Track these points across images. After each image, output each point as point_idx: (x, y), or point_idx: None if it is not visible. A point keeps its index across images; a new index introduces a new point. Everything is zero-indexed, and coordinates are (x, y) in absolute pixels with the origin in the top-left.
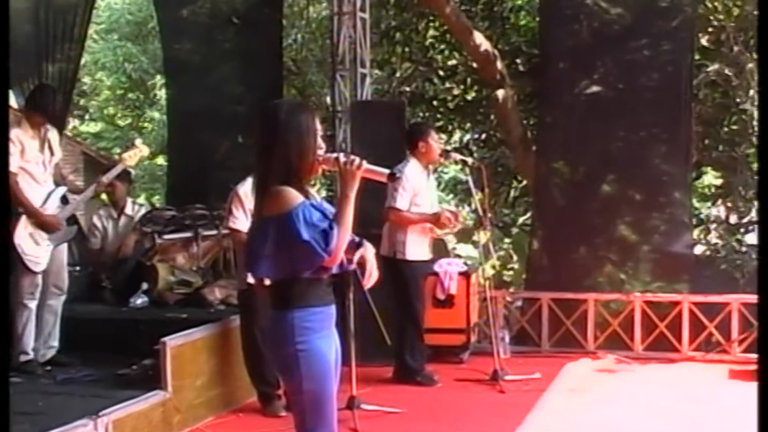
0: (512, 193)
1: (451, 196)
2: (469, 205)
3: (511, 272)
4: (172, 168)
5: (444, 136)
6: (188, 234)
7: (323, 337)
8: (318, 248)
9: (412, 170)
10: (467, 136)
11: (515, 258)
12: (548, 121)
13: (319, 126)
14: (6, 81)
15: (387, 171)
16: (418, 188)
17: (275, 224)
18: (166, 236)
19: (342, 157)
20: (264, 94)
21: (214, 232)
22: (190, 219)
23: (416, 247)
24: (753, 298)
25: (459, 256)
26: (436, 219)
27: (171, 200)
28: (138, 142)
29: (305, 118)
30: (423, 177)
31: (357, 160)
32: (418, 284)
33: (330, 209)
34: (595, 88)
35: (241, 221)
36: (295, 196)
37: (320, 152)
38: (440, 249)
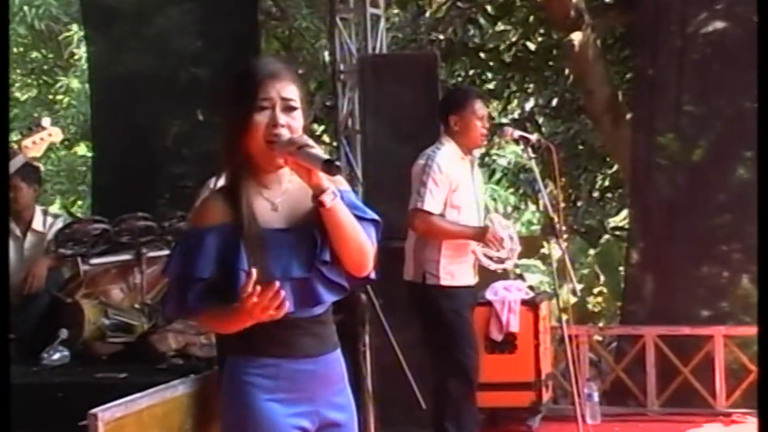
0: (599, 184)
1: (508, 189)
2: (536, 203)
3: (599, 299)
4: (100, 161)
5: (497, 104)
6: (127, 256)
7: (280, 401)
8: (173, 293)
9: (447, 157)
10: (530, 103)
11: (605, 277)
12: (649, 74)
13: (282, 90)
14: (6, 81)
15: (323, 157)
16: (456, 182)
17: None
18: (95, 260)
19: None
20: (233, 50)
21: (164, 252)
22: (128, 234)
23: (456, 267)
24: None
25: (522, 278)
26: (481, 235)
27: (100, 208)
28: (45, 122)
29: (238, 82)
30: (464, 166)
31: (291, 138)
32: (463, 319)
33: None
34: (717, 24)
35: None
36: (209, 213)
37: (281, 131)
38: None
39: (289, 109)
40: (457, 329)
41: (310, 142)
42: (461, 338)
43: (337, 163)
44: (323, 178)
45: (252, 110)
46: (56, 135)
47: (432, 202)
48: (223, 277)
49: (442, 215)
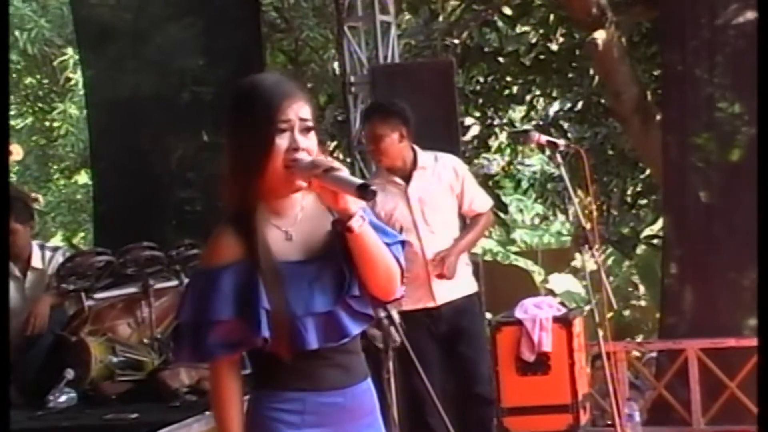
0: (631, 190)
1: (536, 200)
2: (565, 212)
3: (636, 312)
4: (101, 189)
5: (520, 109)
6: (133, 289)
7: None
8: (186, 339)
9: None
10: (554, 107)
11: (642, 289)
12: (679, 71)
13: (293, 113)
14: (6, 81)
15: (356, 181)
16: (382, 210)
17: None
18: (100, 295)
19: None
20: (236, 66)
21: (173, 283)
22: (134, 266)
23: (409, 290)
24: None
25: (553, 294)
26: None
27: (103, 239)
28: None
29: (255, 98)
30: (394, 189)
31: (314, 160)
32: (420, 344)
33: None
34: (749, 15)
35: None
36: (221, 250)
37: (297, 155)
38: (526, 284)
39: (306, 130)
40: (425, 356)
41: (336, 164)
42: (425, 367)
43: (373, 187)
44: (350, 202)
45: (273, 134)
46: (17, 153)
47: None
48: (241, 319)
49: None
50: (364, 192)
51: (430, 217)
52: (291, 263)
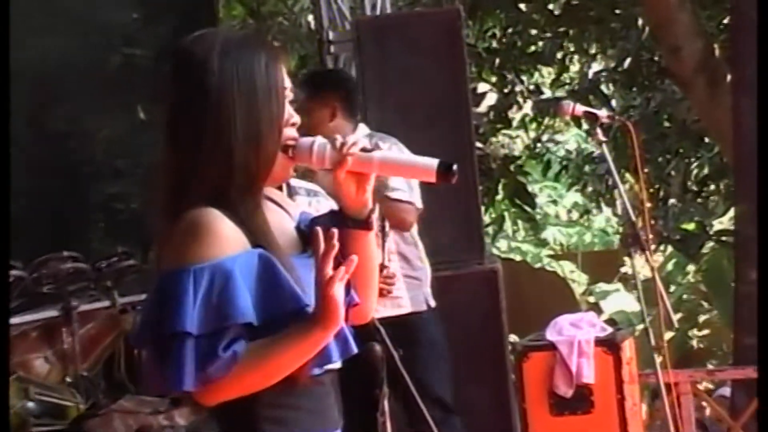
0: (695, 173)
1: (571, 187)
2: (611, 202)
3: (705, 331)
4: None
5: (549, 72)
6: (51, 312)
7: None
8: (189, 355)
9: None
10: (594, 67)
11: (715, 301)
12: (754, 18)
13: (287, 80)
14: (6, 81)
15: (434, 162)
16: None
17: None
18: (9, 320)
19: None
20: (180, 21)
21: (103, 303)
22: (51, 282)
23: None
24: None
25: (596, 309)
26: None
27: (12, 248)
28: None
29: (259, 60)
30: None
31: (357, 142)
32: None
33: None
34: None
35: None
36: (226, 236)
37: (291, 132)
38: (562, 296)
39: (291, 102)
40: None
41: (366, 141)
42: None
43: (455, 166)
44: (370, 194)
45: (281, 109)
46: None
47: None
48: (270, 324)
49: None
50: (448, 172)
51: None
52: (294, 256)
